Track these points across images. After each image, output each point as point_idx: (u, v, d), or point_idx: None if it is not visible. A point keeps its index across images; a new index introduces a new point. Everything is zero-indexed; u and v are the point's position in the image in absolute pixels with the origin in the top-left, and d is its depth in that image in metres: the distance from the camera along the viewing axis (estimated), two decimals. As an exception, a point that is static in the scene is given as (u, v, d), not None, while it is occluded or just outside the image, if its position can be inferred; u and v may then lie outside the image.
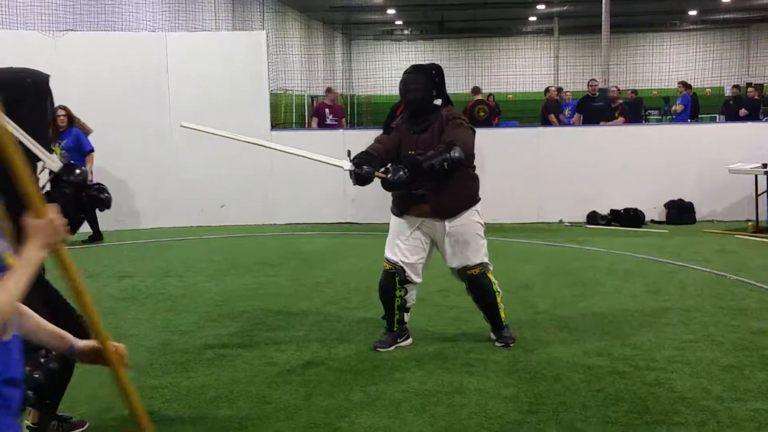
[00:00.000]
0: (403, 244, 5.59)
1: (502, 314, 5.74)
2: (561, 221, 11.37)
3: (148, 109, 11.02)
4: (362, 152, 5.41)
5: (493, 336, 5.79)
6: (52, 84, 3.84)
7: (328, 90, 14.25)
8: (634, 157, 11.36)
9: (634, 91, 21.00)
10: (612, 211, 11.20)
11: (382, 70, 31.61)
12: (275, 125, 15.31)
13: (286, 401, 4.68)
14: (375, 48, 40.67)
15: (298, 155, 5.70)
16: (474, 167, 5.64)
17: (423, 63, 5.75)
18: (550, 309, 6.71)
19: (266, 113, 11.38)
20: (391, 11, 36.24)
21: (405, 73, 5.59)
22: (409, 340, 5.80)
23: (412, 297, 5.74)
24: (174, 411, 4.55)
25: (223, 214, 11.32)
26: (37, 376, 3.64)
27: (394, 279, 5.61)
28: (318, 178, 10.94)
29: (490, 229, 10.34)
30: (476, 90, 14.98)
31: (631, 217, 11.07)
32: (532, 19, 39.10)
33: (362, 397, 4.75)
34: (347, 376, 5.13)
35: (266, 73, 11.50)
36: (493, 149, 11.27)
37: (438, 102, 5.54)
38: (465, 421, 4.39)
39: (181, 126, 6.08)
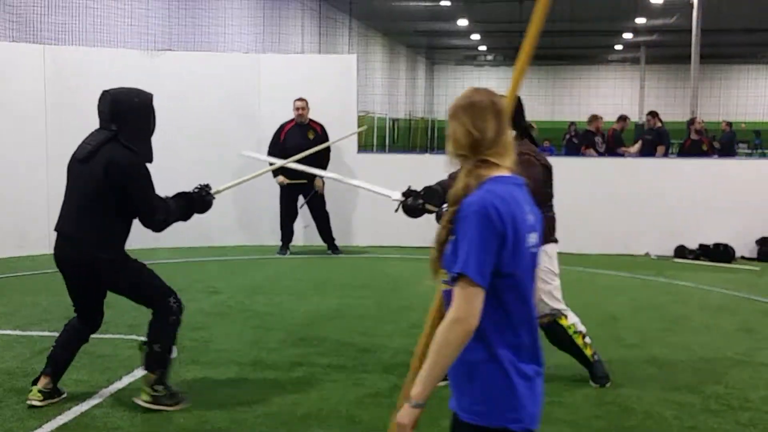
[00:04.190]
0: None
1: (588, 351, 5.50)
2: (647, 254, 11.17)
3: (239, 128, 11.25)
4: (425, 187, 5.23)
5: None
6: None
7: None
8: (724, 191, 11.09)
9: (729, 124, 20.48)
10: (701, 245, 10.95)
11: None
12: (361, 147, 15.43)
13: (375, 423, 4.71)
14: (457, 73, 40.82)
15: (351, 184, 5.73)
16: (547, 206, 5.30)
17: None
18: (638, 343, 6.60)
19: (354, 135, 11.50)
20: (475, 37, 36.35)
21: None
22: None
23: None
24: (266, 426, 4.63)
25: (306, 235, 11.44)
26: None
27: None
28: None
29: (577, 260, 10.38)
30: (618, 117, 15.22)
31: (720, 253, 10.80)
32: (618, 47, 38.73)
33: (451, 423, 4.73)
34: (434, 401, 5.05)
35: (355, 96, 11.64)
36: (581, 178, 11.19)
37: (512, 134, 5.32)
38: (555, 453, 4.35)
39: (242, 155, 6.38)
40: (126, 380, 5.39)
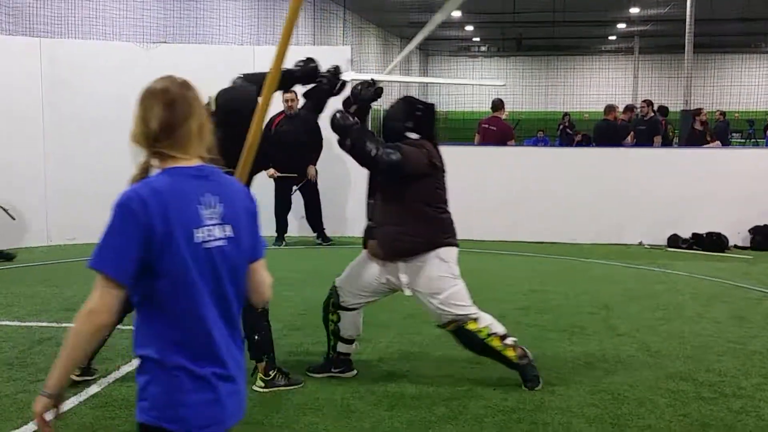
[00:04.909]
0: (354, 269, 5.40)
1: (510, 353, 5.12)
2: (641, 243, 11.23)
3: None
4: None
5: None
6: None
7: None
8: (717, 180, 11.15)
9: (723, 113, 20.49)
10: (694, 234, 11.01)
11: (458, 86, 31.62)
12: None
13: (370, 411, 4.76)
14: (451, 64, 40.80)
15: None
16: (439, 208, 5.12)
17: (417, 97, 5.50)
18: (631, 331, 6.65)
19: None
20: (468, 28, 36.37)
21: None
22: (350, 374, 5.42)
23: (349, 327, 5.38)
24: (262, 415, 4.67)
25: (300, 227, 11.47)
26: None
27: (329, 299, 5.41)
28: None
29: (570, 249, 10.44)
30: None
31: (713, 242, 10.86)
32: (612, 37, 38.79)
33: (444, 411, 4.79)
34: (429, 389, 5.19)
35: (349, 87, 11.63)
36: (574, 168, 11.23)
37: (414, 136, 5.12)
38: (549, 440, 4.40)
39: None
40: (124, 370, 5.43)
